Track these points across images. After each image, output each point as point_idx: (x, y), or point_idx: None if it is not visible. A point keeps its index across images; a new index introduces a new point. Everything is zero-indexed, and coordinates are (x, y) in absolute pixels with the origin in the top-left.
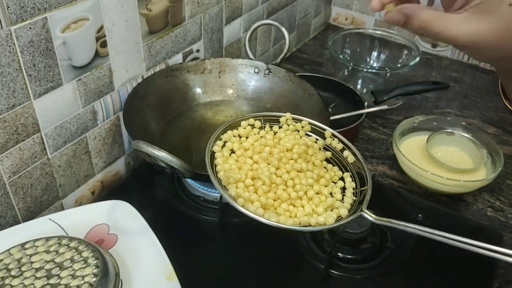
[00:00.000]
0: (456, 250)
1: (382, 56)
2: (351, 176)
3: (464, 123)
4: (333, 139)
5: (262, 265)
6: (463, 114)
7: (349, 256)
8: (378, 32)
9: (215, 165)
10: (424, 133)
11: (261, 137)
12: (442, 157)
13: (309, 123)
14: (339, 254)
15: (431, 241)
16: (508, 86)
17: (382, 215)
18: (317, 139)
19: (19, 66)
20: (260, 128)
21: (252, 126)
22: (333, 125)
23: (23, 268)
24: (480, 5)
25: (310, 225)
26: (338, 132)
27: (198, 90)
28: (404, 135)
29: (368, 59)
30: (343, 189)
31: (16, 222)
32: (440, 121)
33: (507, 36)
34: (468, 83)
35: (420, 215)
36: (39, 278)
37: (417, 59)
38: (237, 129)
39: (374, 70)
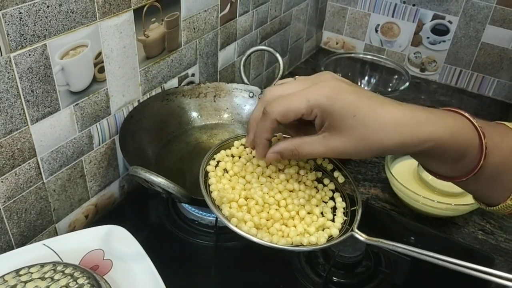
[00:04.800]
0: (449, 274)
1: (373, 80)
2: (341, 196)
3: None
4: (324, 159)
5: None
6: None
7: (344, 281)
8: (368, 56)
9: (209, 185)
10: None
11: (254, 156)
12: (433, 181)
13: None
14: (334, 278)
15: (425, 265)
16: (426, 166)
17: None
18: (308, 159)
19: (18, 92)
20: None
21: (245, 146)
22: None
23: None
24: (329, 126)
25: (302, 245)
26: None
27: (194, 114)
28: (396, 158)
29: (359, 83)
30: (334, 209)
31: (9, 247)
32: None
33: (367, 139)
34: (456, 107)
35: (412, 238)
36: None
37: (407, 84)
38: (230, 149)
39: None
